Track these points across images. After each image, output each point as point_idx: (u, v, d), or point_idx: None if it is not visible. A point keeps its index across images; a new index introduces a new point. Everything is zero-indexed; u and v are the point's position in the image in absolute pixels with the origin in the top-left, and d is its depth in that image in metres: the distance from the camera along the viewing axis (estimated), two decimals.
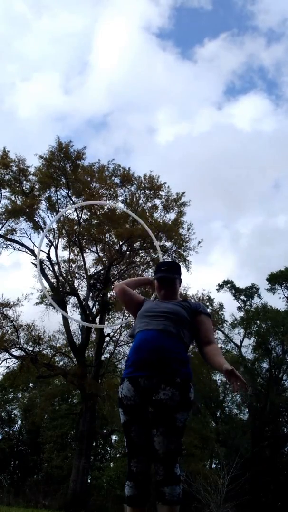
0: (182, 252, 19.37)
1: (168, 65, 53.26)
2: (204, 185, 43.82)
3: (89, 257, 20.44)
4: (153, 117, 53.47)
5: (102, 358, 19.72)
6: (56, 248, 19.49)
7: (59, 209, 19.60)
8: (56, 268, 19.45)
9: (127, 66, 51.66)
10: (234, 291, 30.12)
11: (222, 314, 27.93)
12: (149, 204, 19.83)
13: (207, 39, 61.18)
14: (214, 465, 26.02)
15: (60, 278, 19.46)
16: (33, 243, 19.64)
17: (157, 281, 2.99)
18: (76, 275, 20.17)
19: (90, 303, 19.42)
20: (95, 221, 19.74)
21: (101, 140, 48.77)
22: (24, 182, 19.68)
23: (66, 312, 18.37)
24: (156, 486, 2.54)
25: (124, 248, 19.27)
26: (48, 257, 19.52)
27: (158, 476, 2.53)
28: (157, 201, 19.82)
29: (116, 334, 20.06)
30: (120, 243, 19.09)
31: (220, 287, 29.81)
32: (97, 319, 19.27)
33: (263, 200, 49.23)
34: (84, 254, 19.66)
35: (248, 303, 30.28)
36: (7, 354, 18.07)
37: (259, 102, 59.01)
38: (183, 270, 18.54)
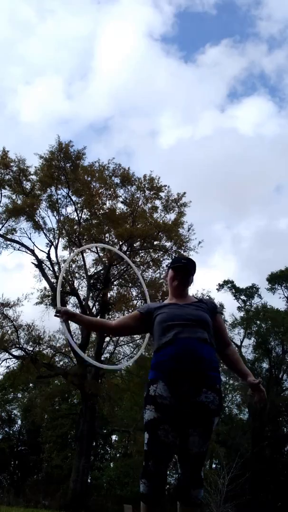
0: (182, 253, 19.35)
1: (170, 69, 53.27)
2: (206, 189, 43.87)
3: (89, 257, 20.46)
4: (155, 121, 53.55)
5: (102, 358, 19.71)
6: (56, 248, 19.54)
7: (60, 208, 19.68)
8: (56, 268, 19.47)
9: (130, 70, 51.67)
10: (234, 291, 30.12)
11: (222, 314, 27.97)
12: (149, 205, 19.81)
13: (209, 44, 61.18)
14: (214, 465, 26.03)
15: None
16: (33, 243, 19.70)
17: (173, 270, 2.92)
18: (76, 275, 20.18)
19: (90, 303, 19.42)
20: (95, 221, 19.74)
21: (104, 144, 48.89)
22: (25, 182, 19.71)
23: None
24: (180, 487, 2.58)
25: (125, 248, 19.26)
26: (48, 257, 19.54)
27: (184, 477, 2.57)
28: (157, 202, 19.81)
29: None
30: (120, 243, 19.08)
31: (220, 287, 29.83)
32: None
33: (265, 203, 49.30)
34: (84, 254, 19.68)
35: (248, 303, 30.28)
36: (7, 354, 18.08)
37: (262, 105, 59.10)
38: None
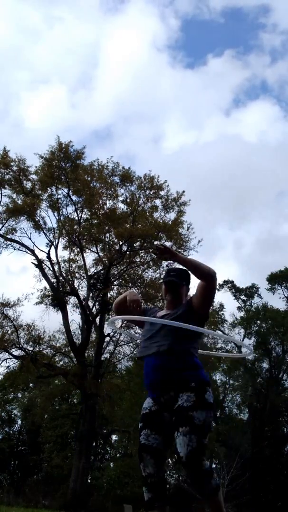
0: (182, 252, 19.34)
1: (174, 76, 53.13)
2: (209, 194, 43.82)
3: (89, 257, 20.45)
4: (158, 127, 53.44)
5: (102, 358, 19.70)
6: (56, 248, 19.53)
7: (60, 208, 19.68)
8: (56, 268, 19.47)
9: (133, 76, 51.38)
10: (234, 291, 30.12)
11: (222, 314, 27.98)
12: (149, 204, 19.80)
13: (212, 54, 61.09)
14: (214, 465, 26.01)
15: (60, 278, 19.46)
16: (33, 243, 19.69)
17: (164, 284, 3.05)
18: (76, 275, 20.17)
19: (90, 303, 19.42)
20: (95, 221, 19.74)
21: (107, 150, 48.85)
22: (25, 181, 19.71)
23: None
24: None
25: (124, 248, 19.26)
26: (48, 257, 19.53)
27: (186, 478, 2.68)
28: (157, 201, 19.81)
29: (116, 334, 20.05)
30: (120, 243, 19.07)
31: (220, 286, 29.78)
32: (97, 319, 19.28)
33: (268, 209, 49.25)
34: (84, 254, 19.67)
35: (248, 303, 30.29)
36: (7, 354, 18.07)
37: (267, 111, 59.08)
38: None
